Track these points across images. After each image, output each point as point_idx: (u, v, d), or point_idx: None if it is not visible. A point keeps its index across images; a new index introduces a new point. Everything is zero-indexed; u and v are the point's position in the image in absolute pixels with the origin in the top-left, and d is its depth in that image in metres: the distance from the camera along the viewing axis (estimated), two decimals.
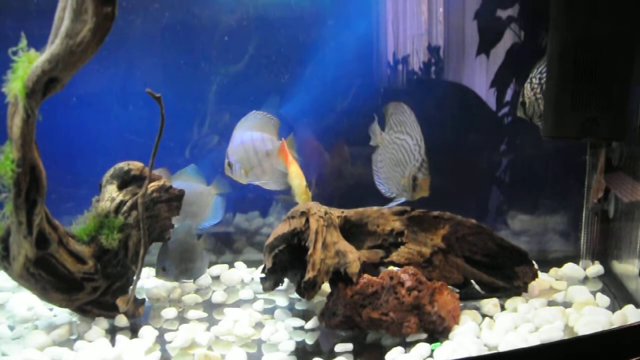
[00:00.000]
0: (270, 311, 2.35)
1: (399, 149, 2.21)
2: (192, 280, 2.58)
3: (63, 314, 2.28)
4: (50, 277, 2.06)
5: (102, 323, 2.19)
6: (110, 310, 2.21)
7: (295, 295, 2.41)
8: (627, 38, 2.18)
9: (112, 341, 2.08)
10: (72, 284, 2.11)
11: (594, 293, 2.40)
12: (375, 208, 2.38)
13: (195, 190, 2.46)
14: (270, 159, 2.35)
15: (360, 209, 2.37)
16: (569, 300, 2.38)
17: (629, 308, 2.17)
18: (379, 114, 2.88)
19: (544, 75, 2.40)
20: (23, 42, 1.84)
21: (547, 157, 2.89)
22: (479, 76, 2.94)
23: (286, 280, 2.38)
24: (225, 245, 2.99)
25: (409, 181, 2.21)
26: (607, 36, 2.16)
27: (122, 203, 2.22)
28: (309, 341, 2.11)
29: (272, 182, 2.44)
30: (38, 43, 1.83)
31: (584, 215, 2.83)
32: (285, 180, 2.48)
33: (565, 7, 2.21)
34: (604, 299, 2.33)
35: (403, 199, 2.27)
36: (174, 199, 2.35)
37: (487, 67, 2.91)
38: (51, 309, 2.32)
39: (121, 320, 2.21)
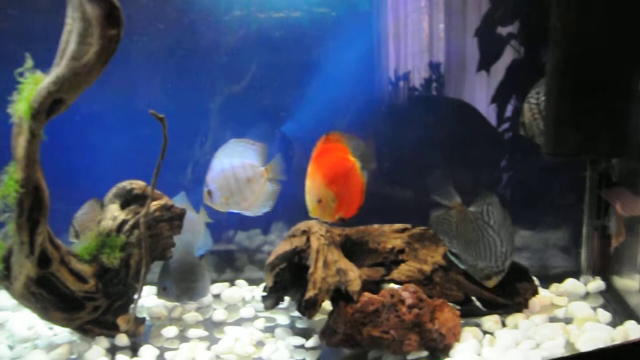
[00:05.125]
0: (271, 329, 2.34)
1: (481, 238, 2.24)
2: (193, 301, 2.56)
3: (63, 333, 2.28)
4: (51, 296, 2.06)
5: (103, 342, 2.19)
6: (110, 330, 2.21)
7: (296, 314, 2.40)
8: (627, 54, 2.19)
9: None
10: (73, 303, 2.11)
11: (595, 309, 2.40)
12: (376, 226, 2.39)
13: (187, 218, 2.42)
14: (251, 185, 2.33)
15: (362, 227, 2.38)
16: (570, 316, 2.38)
17: (630, 324, 2.18)
18: (378, 129, 2.90)
19: (541, 95, 2.42)
20: (29, 63, 1.87)
21: (547, 172, 2.89)
22: (479, 92, 2.95)
23: (287, 298, 2.38)
24: (226, 263, 2.99)
25: (481, 273, 2.26)
26: (607, 52, 2.17)
27: (124, 222, 2.22)
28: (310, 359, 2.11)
29: (254, 208, 2.41)
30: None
31: (584, 230, 2.84)
32: (269, 201, 2.44)
33: (564, 24, 2.22)
34: (605, 315, 2.33)
35: (463, 266, 2.31)
36: (175, 218, 2.35)
37: (487, 83, 2.92)
38: (51, 328, 2.32)
39: (122, 339, 2.21)
